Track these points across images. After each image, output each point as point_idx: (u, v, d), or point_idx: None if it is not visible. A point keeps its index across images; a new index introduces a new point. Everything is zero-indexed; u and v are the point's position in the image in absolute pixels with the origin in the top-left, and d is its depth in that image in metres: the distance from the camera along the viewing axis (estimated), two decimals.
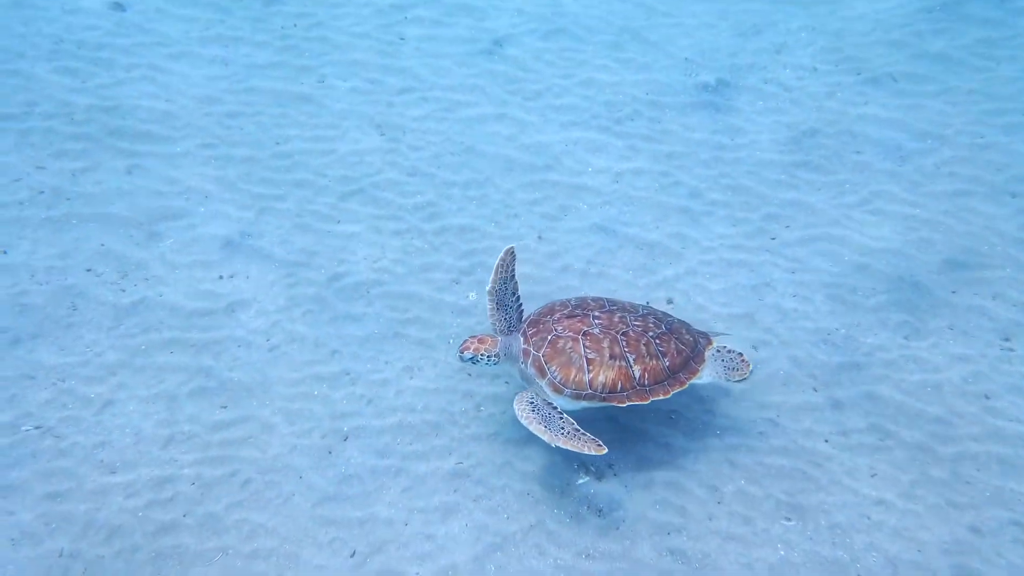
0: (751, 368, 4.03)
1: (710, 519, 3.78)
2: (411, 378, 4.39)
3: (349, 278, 4.92)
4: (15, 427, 3.96)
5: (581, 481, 3.89)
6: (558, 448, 3.62)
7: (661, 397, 3.74)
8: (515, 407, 3.73)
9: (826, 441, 4.09)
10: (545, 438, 3.60)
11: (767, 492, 3.87)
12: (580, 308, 3.90)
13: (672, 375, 3.79)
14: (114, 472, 3.83)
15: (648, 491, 3.87)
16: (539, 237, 5.25)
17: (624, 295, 4.78)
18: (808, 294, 4.88)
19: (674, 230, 5.32)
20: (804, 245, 5.20)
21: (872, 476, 3.94)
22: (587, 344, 3.72)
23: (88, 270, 4.78)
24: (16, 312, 4.49)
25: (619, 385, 3.70)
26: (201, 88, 6.20)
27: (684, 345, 3.87)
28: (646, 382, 3.73)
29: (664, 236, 5.27)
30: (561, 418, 3.70)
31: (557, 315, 3.88)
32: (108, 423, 4.03)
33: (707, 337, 4.05)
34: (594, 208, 5.48)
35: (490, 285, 3.95)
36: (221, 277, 4.85)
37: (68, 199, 5.18)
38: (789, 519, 3.77)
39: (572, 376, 3.70)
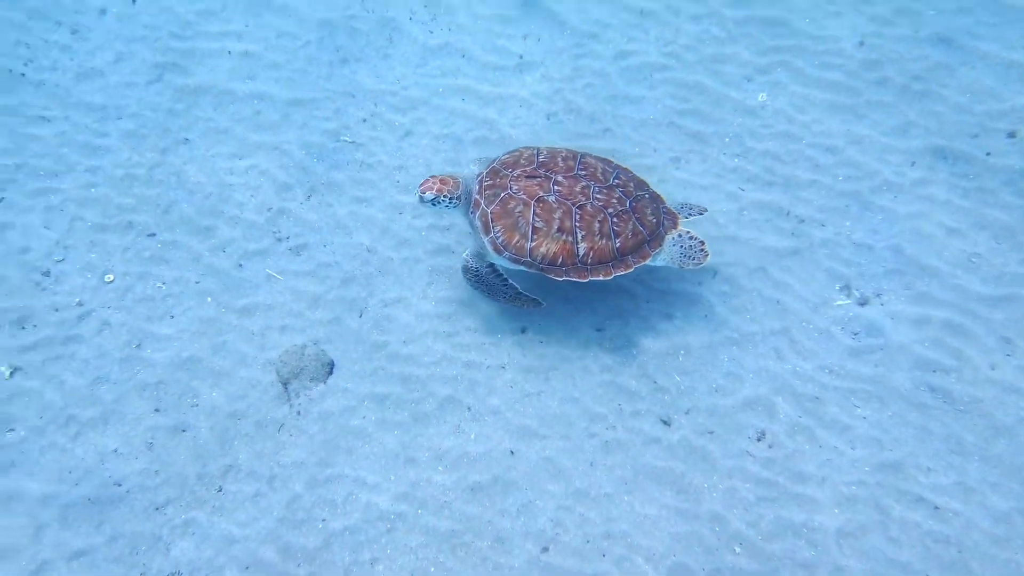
0: (708, 258, 3.74)
1: (992, 368, 3.60)
2: (677, 169, 4.40)
3: (635, 58, 4.84)
4: (337, 135, 4.69)
5: (840, 303, 3.85)
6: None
7: (600, 278, 3.61)
8: (462, 275, 3.86)
9: None
10: (488, 298, 3.86)
11: None
12: (545, 168, 3.68)
13: (620, 257, 3.62)
14: (405, 192, 4.46)
15: (919, 328, 3.75)
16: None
17: None
18: None
19: None
20: None
21: None
22: (538, 211, 3.57)
23: (407, 9, 5.18)
24: (348, 34, 5.08)
25: (560, 259, 3.60)
26: None
27: (643, 227, 3.66)
28: (589, 261, 3.60)
29: None
30: (504, 284, 3.81)
31: (518, 171, 3.68)
32: (406, 150, 4.61)
33: (674, 219, 3.79)
34: None
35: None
36: (521, 37, 5.02)
37: None
38: None
39: (514, 241, 3.61)
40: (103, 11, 5.05)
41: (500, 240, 3.63)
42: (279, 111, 4.70)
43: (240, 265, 4.14)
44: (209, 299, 4.03)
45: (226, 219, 4.30)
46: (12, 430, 3.59)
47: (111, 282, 4.05)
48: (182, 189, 4.39)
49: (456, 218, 4.19)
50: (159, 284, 4.06)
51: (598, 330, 3.90)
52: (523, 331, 3.92)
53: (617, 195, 3.66)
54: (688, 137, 4.52)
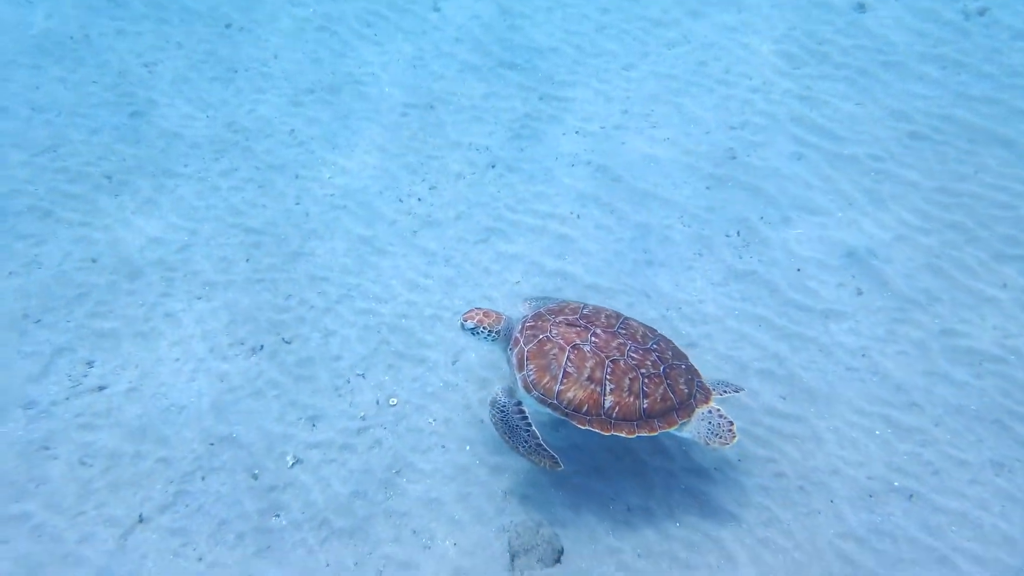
0: (735, 440, 3.70)
1: None
2: (996, 475, 3.84)
3: (964, 340, 4.46)
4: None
5: None
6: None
7: (623, 435, 3.65)
8: (489, 409, 3.90)
9: None
10: (508, 446, 3.86)
11: None
12: (587, 319, 3.86)
13: (646, 418, 3.67)
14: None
15: None
16: None
17: None
18: None
19: None
20: None
21: None
22: (572, 357, 3.71)
23: (723, 230, 5.39)
24: (660, 241, 5.36)
25: (585, 407, 3.67)
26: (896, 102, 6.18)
27: (674, 394, 3.73)
28: (614, 415, 3.66)
29: None
30: (527, 431, 3.81)
31: (561, 319, 3.86)
32: (697, 358, 4.61)
33: (707, 394, 3.84)
34: None
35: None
36: (835, 284, 4.92)
37: (740, 151, 5.88)
38: None
39: (544, 381, 3.72)
40: (459, 175, 5.92)
41: (531, 378, 3.76)
42: (576, 292, 5.01)
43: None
44: (468, 447, 4.20)
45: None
46: (277, 516, 3.93)
47: (393, 406, 4.42)
48: (475, 337, 4.77)
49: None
50: (431, 420, 4.35)
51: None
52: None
53: (652, 358, 3.76)
54: (1017, 444, 3.95)
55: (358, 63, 6.76)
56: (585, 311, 3.92)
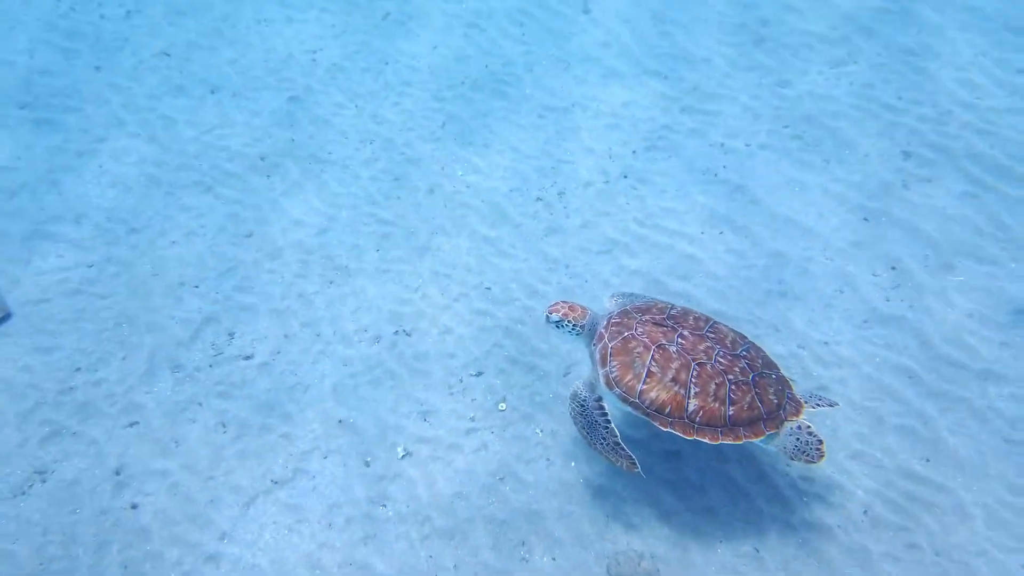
0: (823, 460, 3.56)
1: None
2: None
3: None
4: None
5: None
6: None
7: (706, 440, 3.54)
8: (569, 402, 3.90)
9: None
10: (586, 442, 3.85)
11: None
12: (674, 320, 3.78)
13: (730, 426, 3.54)
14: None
15: None
16: None
17: None
18: None
19: None
20: None
21: None
22: (656, 357, 3.63)
23: (870, 267, 4.99)
24: (798, 272, 5.04)
25: (668, 409, 3.58)
26: None
27: (762, 403, 3.59)
28: (697, 419, 3.55)
29: None
30: (606, 428, 3.78)
31: (647, 317, 3.79)
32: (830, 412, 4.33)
33: (797, 407, 3.69)
34: None
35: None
36: (998, 344, 4.45)
37: (900, 185, 5.45)
38: None
39: (627, 379, 3.66)
40: (589, 183, 5.83)
41: (614, 375, 3.69)
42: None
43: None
44: (573, 464, 4.14)
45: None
46: (384, 506, 4.03)
47: (502, 411, 4.43)
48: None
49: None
50: (538, 430, 4.31)
51: None
52: None
53: (741, 365, 3.63)
54: None
55: (503, 62, 6.80)
56: (673, 311, 3.85)
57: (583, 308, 3.99)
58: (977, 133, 5.68)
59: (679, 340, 3.66)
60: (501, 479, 4.11)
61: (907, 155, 5.61)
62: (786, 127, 5.95)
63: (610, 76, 6.57)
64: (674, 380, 3.57)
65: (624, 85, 6.47)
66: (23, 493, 4.13)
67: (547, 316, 3.98)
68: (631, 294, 4.25)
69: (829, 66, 6.40)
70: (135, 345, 4.82)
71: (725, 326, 3.86)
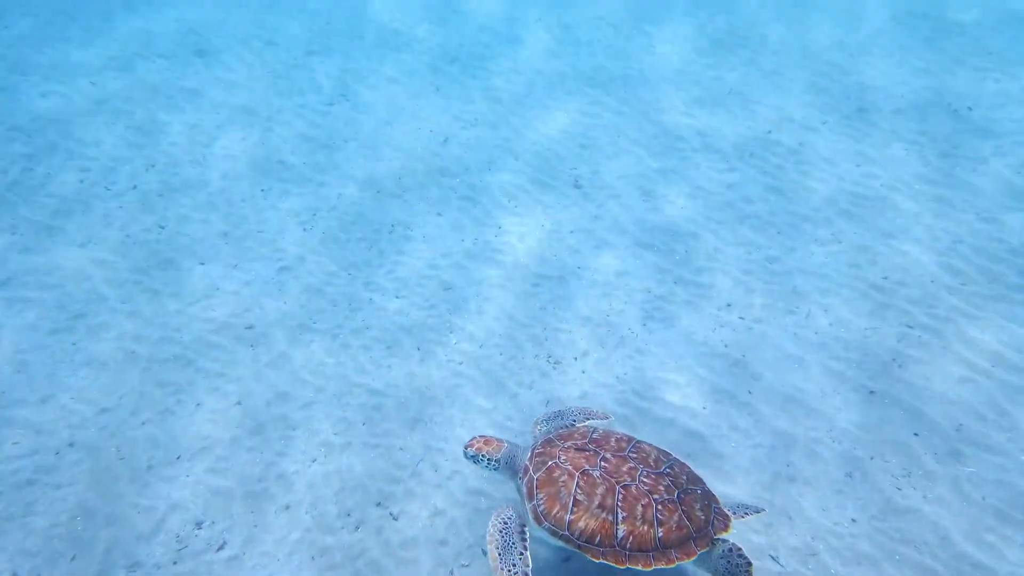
0: None
1: None
2: None
3: None
4: None
5: None
6: None
7: (639, 567, 3.45)
8: (490, 520, 3.74)
9: None
10: (491, 564, 3.61)
11: None
12: (596, 444, 3.74)
13: (662, 548, 3.47)
14: None
15: None
16: None
17: None
18: None
19: None
20: None
21: None
22: (581, 483, 3.58)
23: (881, 453, 4.80)
24: (805, 455, 4.82)
25: (597, 538, 3.50)
26: None
27: (690, 521, 3.53)
28: (628, 545, 3.48)
29: None
30: (521, 555, 3.61)
31: (569, 443, 3.76)
32: None
33: (725, 521, 3.62)
34: None
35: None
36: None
37: (897, 365, 5.40)
38: None
39: (555, 511, 3.60)
40: (586, 352, 5.73)
41: (541, 508, 3.62)
42: None
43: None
44: None
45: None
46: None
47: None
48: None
49: None
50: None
51: None
52: None
53: (666, 483, 3.59)
54: None
55: (495, 232, 6.92)
56: (594, 435, 3.84)
57: (499, 441, 4.02)
58: (966, 317, 5.74)
59: (602, 463, 3.66)
60: None
61: (901, 336, 5.63)
62: (779, 303, 5.99)
63: (602, 246, 6.69)
64: (600, 506, 3.54)
65: (617, 256, 6.56)
66: None
67: (464, 451, 4.01)
68: (557, 412, 4.31)
69: (816, 244, 6.58)
70: (88, 542, 4.39)
71: (648, 444, 3.87)
